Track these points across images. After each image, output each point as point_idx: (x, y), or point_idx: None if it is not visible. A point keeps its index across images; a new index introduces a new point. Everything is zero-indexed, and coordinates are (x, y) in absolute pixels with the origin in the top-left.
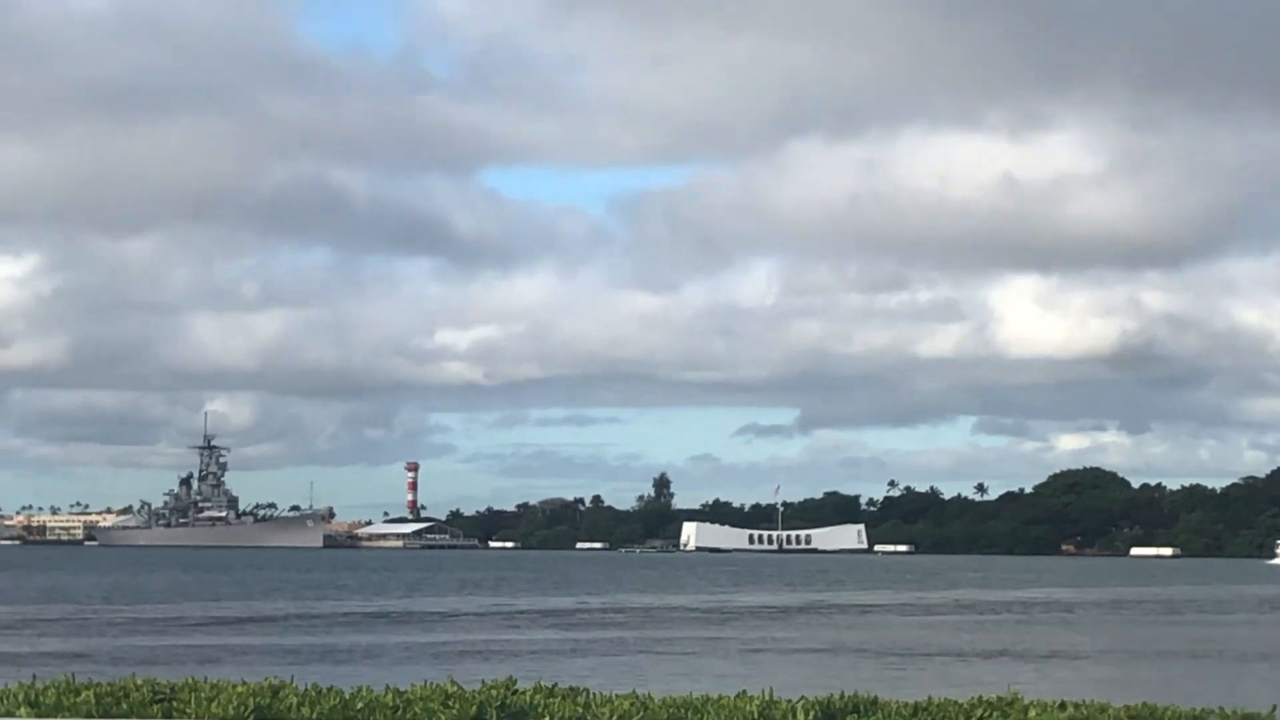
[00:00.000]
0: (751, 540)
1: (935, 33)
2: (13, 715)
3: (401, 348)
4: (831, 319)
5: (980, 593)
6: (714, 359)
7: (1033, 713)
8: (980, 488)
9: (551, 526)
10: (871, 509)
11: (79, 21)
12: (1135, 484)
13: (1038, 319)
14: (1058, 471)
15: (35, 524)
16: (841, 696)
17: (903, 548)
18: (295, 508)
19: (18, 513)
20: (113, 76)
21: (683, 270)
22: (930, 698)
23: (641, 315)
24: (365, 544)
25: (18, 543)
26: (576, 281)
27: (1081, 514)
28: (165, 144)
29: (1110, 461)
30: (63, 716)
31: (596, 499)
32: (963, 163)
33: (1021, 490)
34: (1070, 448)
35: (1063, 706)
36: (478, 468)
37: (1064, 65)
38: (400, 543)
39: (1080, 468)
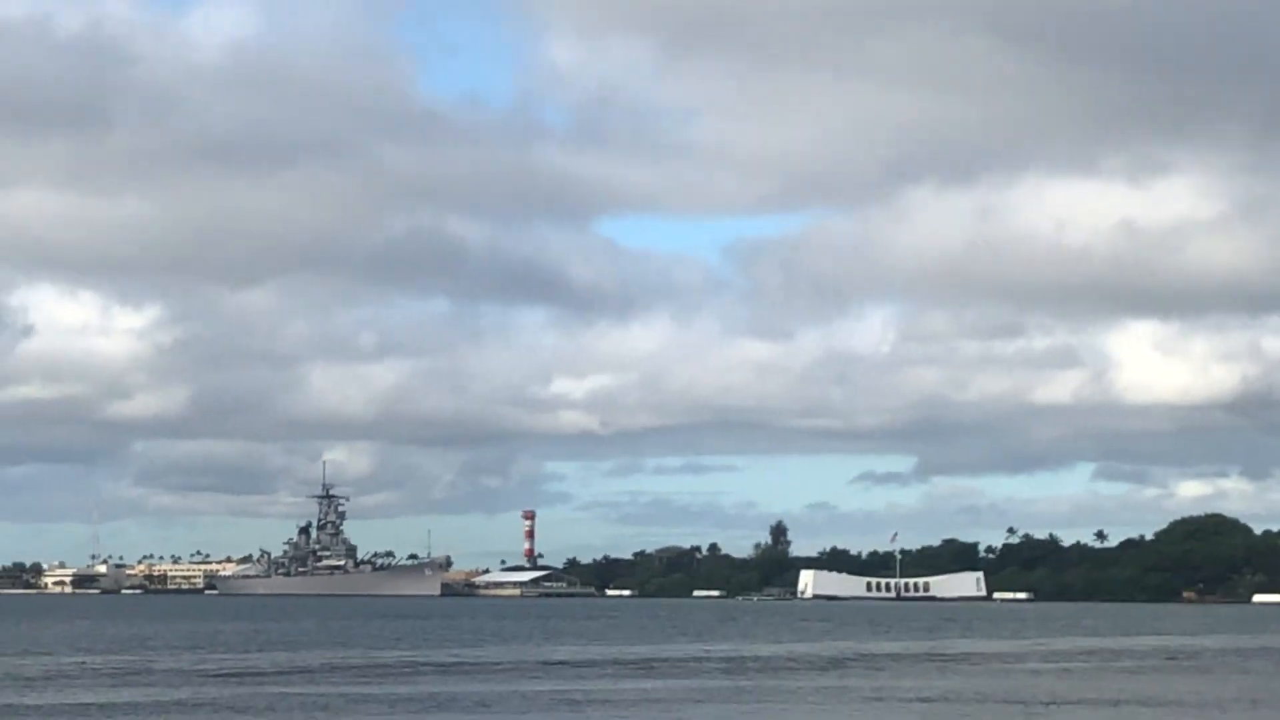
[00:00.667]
0: (869, 588)
1: (1051, 78)
2: None
3: (517, 397)
4: (948, 366)
5: (1101, 640)
6: (830, 406)
7: None
8: (1100, 535)
9: (668, 574)
10: (990, 556)
11: (198, 75)
12: (1258, 530)
13: (1157, 365)
14: (1179, 518)
15: (157, 573)
16: None
17: (1021, 595)
18: (413, 556)
19: (139, 562)
20: (231, 129)
21: (798, 318)
22: None
23: (756, 363)
24: (482, 592)
25: (139, 591)
26: (691, 330)
27: (1203, 561)
28: (283, 196)
29: (1232, 508)
30: None
31: (713, 547)
32: (1080, 209)
33: (1142, 537)
34: (1191, 494)
35: None
36: (594, 516)
37: (1181, 110)
38: (518, 591)
39: (1201, 514)
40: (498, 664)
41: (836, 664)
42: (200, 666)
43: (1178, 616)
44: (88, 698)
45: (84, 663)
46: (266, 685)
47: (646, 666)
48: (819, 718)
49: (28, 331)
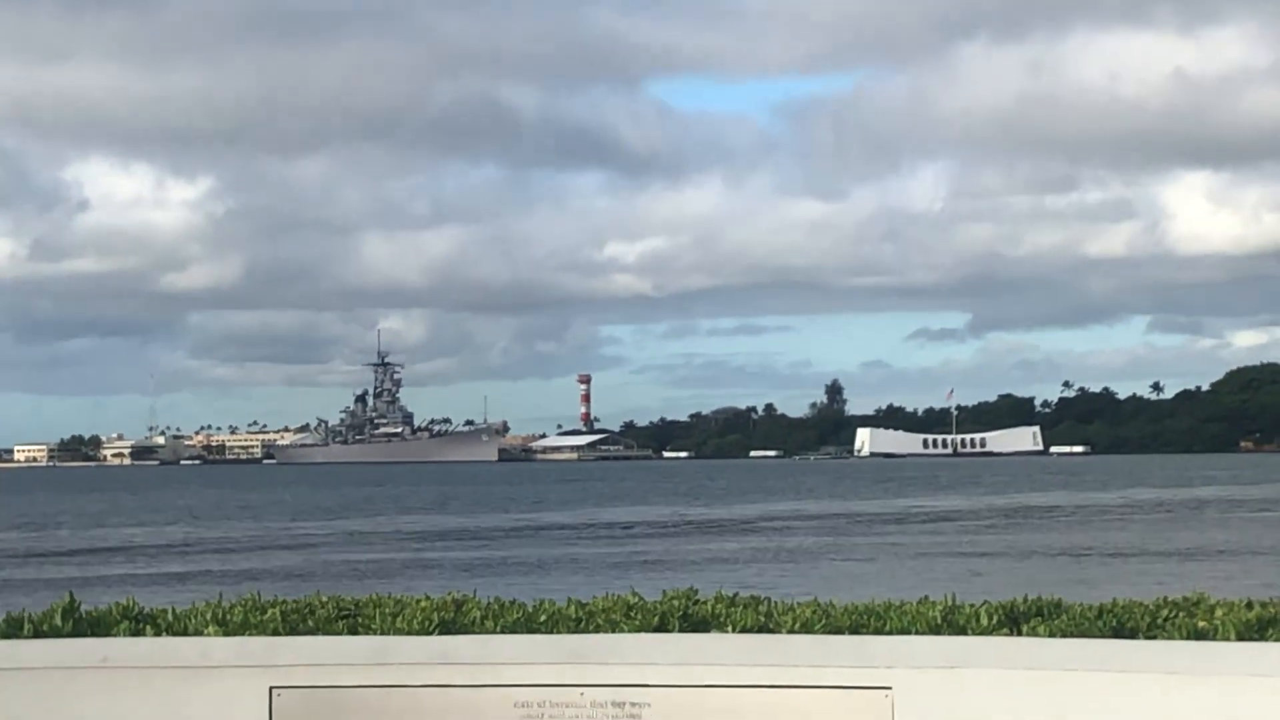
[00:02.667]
0: (926, 444)
1: None
2: (200, 633)
3: (571, 261)
4: (1001, 221)
5: (1160, 492)
6: (883, 264)
7: (1219, 612)
8: (1156, 387)
9: (725, 435)
10: (1046, 410)
11: None
12: None
13: (1211, 215)
14: (1234, 368)
15: (215, 443)
16: (1025, 600)
17: (1078, 448)
18: (469, 422)
19: (197, 432)
20: None
21: (850, 176)
22: (1115, 600)
23: (809, 222)
24: (540, 456)
25: (198, 462)
26: (744, 191)
27: (1259, 410)
28: (336, 65)
29: None
30: (249, 633)
31: (769, 407)
32: (1132, 60)
33: (1198, 388)
34: (1246, 344)
35: (1250, 605)
36: (649, 379)
37: None
38: (574, 454)
39: (1257, 364)
40: (561, 526)
41: (896, 521)
42: (262, 533)
43: (1235, 467)
44: (166, 567)
45: (153, 534)
46: (325, 553)
47: (708, 528)
48: (876, 572)
49: (83, 205)
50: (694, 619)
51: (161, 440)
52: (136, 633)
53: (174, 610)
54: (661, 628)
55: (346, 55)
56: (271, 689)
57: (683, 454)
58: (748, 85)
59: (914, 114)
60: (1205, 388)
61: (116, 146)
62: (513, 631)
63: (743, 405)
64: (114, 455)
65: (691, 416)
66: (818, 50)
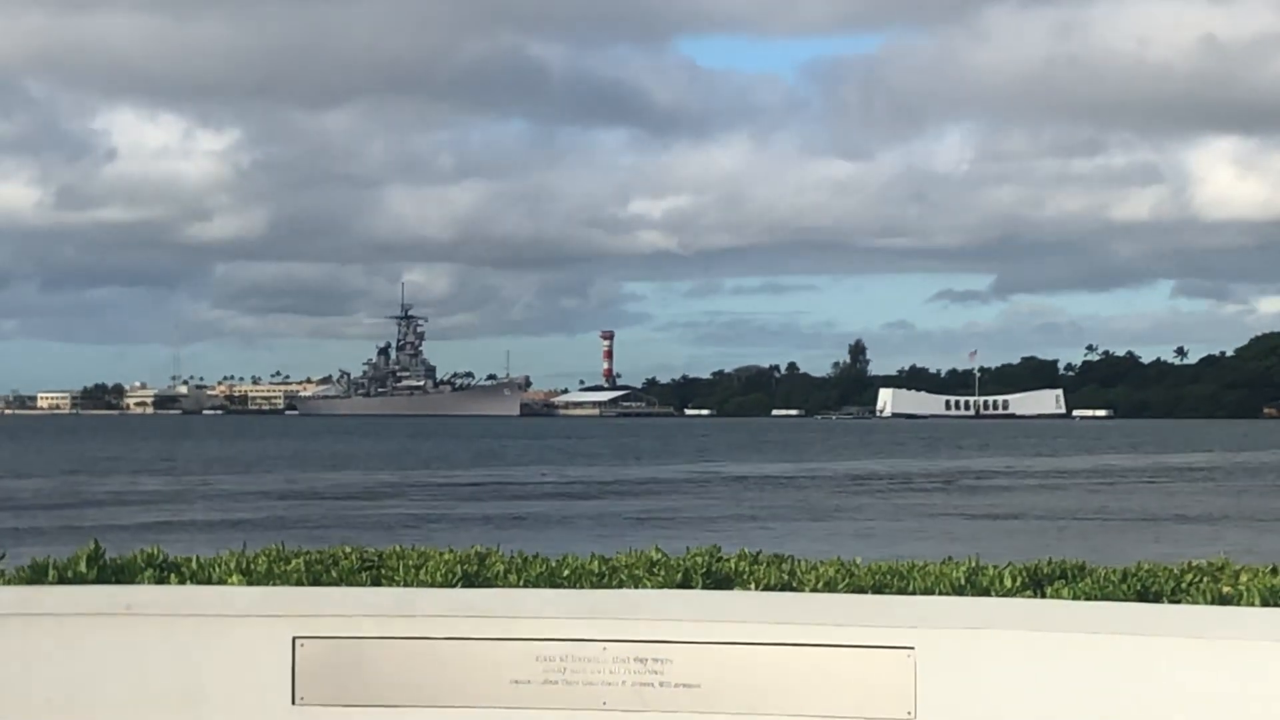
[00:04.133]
0: (948, 406)
1: None
2: (224, 582)
3: (596, 218)
4: (1027, 184)
5: (1185, 457)
6: (908, 225)
7: (1244, 577)
8: (1180, 351)
9: (747, 393)
10: (1069, 374)
11: None
12: None
13: (1238, 180)
14: (1259, 334)
15: (237, 394)
16: (1049, 562)
17: (1101, 412)
18: (492, 376)
19: (220, 383)
20: None
21: (877, 137)
22: (1140, 563)
23: (835, 182)
24: (562, 412)
25: (220, 412)
26: (771, 149)
27: None
28: (362, 18)
29: None
30: (273, 583)
31: (792, 366)
32: (1161, 23)
33: (1222, 354)
34: (1272, 310)
35: (1275, 571)
36: (673, 336)
37: None
38: (596, 410)
39: None
40: (583, 482)
41: (906, 481)
42: (288, 483)
43: (1259, 433)
44: (191, 515)
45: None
46: (347, 507)
47: (731, 484)
48: (900, 532)
49: (110, 155)
50: (717, 576)
51: (184, 390)
52: (160, 581)
53: (198, 559)
54: (684, 584)
55: (375, 8)
56: (295, 639)
57: (705, 411)
58: (776, 44)
59: (941, 75)
60: (1229, 353)
61: (145, 96)
62: (535, 586)
63: (765, 364)
64: (137, 404)
65: (714, 374)
66: (847, 10)
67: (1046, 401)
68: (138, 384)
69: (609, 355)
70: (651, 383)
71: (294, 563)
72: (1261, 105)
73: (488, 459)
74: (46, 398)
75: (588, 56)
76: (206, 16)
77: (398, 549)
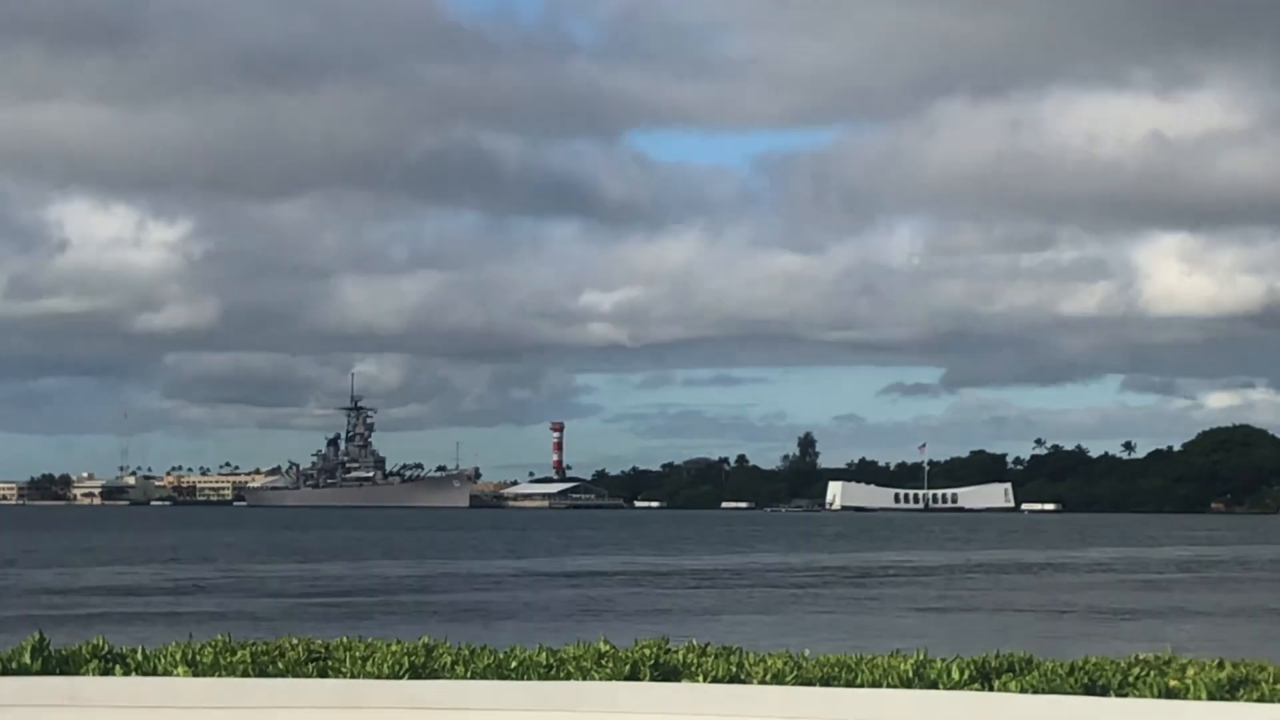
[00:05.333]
0: (897, 499)
1: None
2: (170, 674)
3: (547, 309)
4: (977, 278)
5: (1131, 551)
6: (859, 319)
7: (1190, 671)
8: (1128, 446)
9: (697, 486)
10: (1018, 468)
11: None
12: None
13: (1185, 277)
14: (1207, 429)
15: (185, 484)
16: (996, 656)
17: (1050, 506)
18: (441, 468)
19: (168, 473)
20: (266, 44)
21: (828, 230)
22: (1086, 657)
23: (787, 275)
24: (511, 504)
25: (168, 503)
26: (722, 242)
27: (1231, 472)
28: (317, 111)
29: (1260, 419)
30: (219, 674)
31: (741, 458)
32: (1110, 121)
33: (1170, 448)
34: (1219, 405)
35: (1221, 665)
36: (623, 428)
37: (1211, 22)
38: (546, 502)
39: (1229, 425)
40: (530, 574)
41: (865, 574)
42: (232, 575)
43: (1206, 528)
44: (137, 607)
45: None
46: (296, 596)
47: (678, 578)
48: (847, 625)
49: (62, 245)
50: (665, 668)
51: (132, 480)
52: (106, 672)
53: (144, 650)
54: (633, 676)
55: (329, 101)
56: None
57: (654, 504)
58: (728, 138)
59: (893, 170)
60: (1177, 448)
61: (98, 187)
62: (483, 677)
63: (715, 456)
64: (84, 495)
65: (664, 466)
66: (799, 104)
67: (995, 495)
68: (85, 475)
69: (559, 447)
70: (601, 474)
71: (240, 654)
72: (1208, 202)
73: (435, 551)
74: None
75: (541, 149)
76: (160, 108)
77: (344, 640)
